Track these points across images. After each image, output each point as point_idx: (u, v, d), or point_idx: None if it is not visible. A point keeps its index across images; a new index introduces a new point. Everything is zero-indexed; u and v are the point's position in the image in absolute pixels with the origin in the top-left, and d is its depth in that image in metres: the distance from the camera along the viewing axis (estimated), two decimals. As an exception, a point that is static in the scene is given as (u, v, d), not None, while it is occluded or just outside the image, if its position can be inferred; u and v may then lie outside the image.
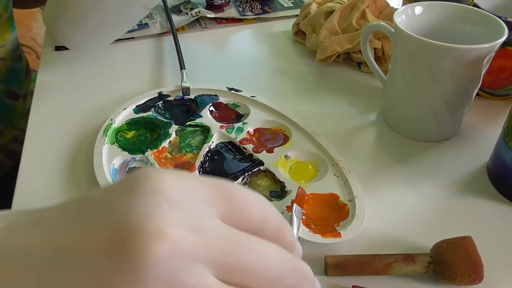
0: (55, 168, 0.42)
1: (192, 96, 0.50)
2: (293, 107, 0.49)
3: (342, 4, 0.60)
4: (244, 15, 0.70)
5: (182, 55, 0.56)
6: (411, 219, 0.38)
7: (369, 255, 0.33)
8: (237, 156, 0.43)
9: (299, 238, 0.34)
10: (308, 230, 0.35)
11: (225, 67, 0.58)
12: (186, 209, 0.18)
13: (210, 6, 0.71)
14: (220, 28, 0.68)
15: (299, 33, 0.63)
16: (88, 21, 0.50)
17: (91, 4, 0.48)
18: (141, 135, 0.45)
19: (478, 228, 0.37)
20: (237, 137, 0.44)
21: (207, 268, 0.18)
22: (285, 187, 0.39)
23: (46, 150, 0.44)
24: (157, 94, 0.49)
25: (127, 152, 0.42)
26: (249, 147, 0.43)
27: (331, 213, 0.37)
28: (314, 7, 0.63)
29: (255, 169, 0.41)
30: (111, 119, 0.45)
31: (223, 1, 0.71)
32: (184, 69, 0.53)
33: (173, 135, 0.44)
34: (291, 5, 0.73)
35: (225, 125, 0.45)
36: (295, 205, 0.35)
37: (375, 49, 0.55)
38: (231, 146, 0.44)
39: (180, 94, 0.50)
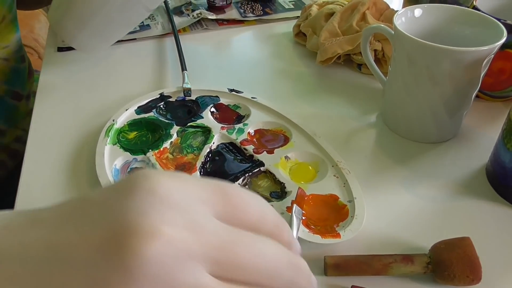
0: (58, 168, 0.43)
1: (193, 97, 0.50)
2: (293, 108, 0.49)
3: (342, 6, 0.61)
4: (245, 16, 0.70)
5: (184, 56, 0.57)
6: (410, 220, 0.38)
7: (368, 255, 0.34)
8: (237, 157, 0.43)
9: (299, 239, 0.34)
10: (308, 230, 0.35)
11: (226, 68, 0.59)
12: (182, 209, 0.19)
13: (211, 8, 0.71)
14: (221, 29, 0.68)
15: (299, 34, 0.64)
16: (92, 21, 0.51)
17: (95, 5, 0.49)
18: (142, 135, 0.45)
19: (476, 229, 0.37)
20: (238, 138, 0.44)
21: (202, 266, 0.18)
22: (285, 187, 0.39)
23: (48, 150, 0.45)
24: (159, 95, 0.50)
25: (128, 153, 0.42)
26: (250, 148, 0.43)
27: (330, 214, 0.38)
28: (315, 8, 0.64)
29: (255, 170, 0.41)
30: (113, 120, 0.46)
31: (224, 2, 0.71)
32: (186, 70, 0.54)
33: (175, 136, 0.45)
34: (292, 6, 0.74)
35: (226, 126, 0.46)
36: (295, 205, 0.36)
37: (375, 50, 0.55)
38: (232, 147, 0.44)
39: (182, 95, 0.50)
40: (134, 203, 0.18)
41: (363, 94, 0.53)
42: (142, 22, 0.68)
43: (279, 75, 0.57)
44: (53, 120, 0.49)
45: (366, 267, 0.33)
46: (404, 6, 0.64)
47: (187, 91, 0.50)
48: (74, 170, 0.42)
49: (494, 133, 0.42)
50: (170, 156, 0.43)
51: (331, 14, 0.60)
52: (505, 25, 0.42)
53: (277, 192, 0.40)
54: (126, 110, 0.47)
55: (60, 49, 0.61)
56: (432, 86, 0.42)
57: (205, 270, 0.18)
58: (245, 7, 0.73)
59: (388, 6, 0.61)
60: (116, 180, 0.40)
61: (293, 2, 0.75)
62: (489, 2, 0.49)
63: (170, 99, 0.50)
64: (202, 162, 0.42)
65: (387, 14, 0.59)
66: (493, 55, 0.40)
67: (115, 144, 0.43)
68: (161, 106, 0.49)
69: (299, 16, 0.66)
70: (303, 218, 0.36)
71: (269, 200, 0.38)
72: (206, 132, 0.46)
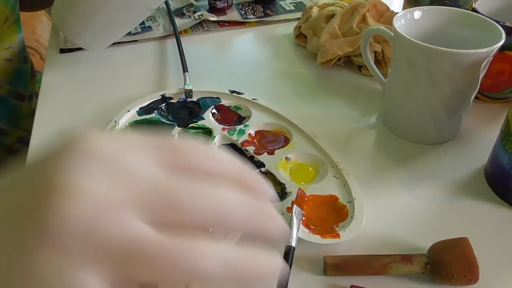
0: (60, 169, 0.43)
1: (194, 98, 0.50)
2: (294, 110, 0.49)
3: (343, 8, 0.61)
4: (246, 18, 0.71)
5: (185, 58, 0.57)
6: (409, 220, 0.38)
7: (367, 255, 0.34)
8: (238, 158, 0.43)
9: (299, 239, 0.34)
10: (308, 231, 0.36)
11: (227, 70, 0.59)
12: (110, 160, 0.18)
13: (212, 9, 0.72)
14: (223, 31, 0.69)
15: (300, 36, 0.64)
16: (94, 19, 0.52)
17: (97, 3, 0.51)
18: (144, 136, 0.46)
19: (475, 230, 0.38)
20: (239, 139, 0.45)
21: (134, 215, 0.17)
22: (285, 188, 0.40)
23: (51, 151, 0.45)
24: (160, 97, 0.50)
25: (130, 154, 0.43)
26: (251, 149, 0.43)
27: (330, 214, 0.38)
28: (315, 10, 0.64)
29: (256, 171, 0.41)
30: (115, 121, 0.46)
31: (226, 4, 0.71)
32: (187, 71, 0.54)
33: (176, 137, 0.45)
34: (293, 8, 0.74)
35: (227, 127, 0.46)
36: (295, 206, 0.36)
37: (375, 52, 0.55)
38: (232, 148, 0.45)
39: (183, 96, 0.50)
40: (58, 162, 0.18)
41: (363, 96, 0.54)
42: (144, 23, 0.68)
43: (280, 76, 0.58)
44: (56, 121, 0.49)
45: (365, 267, 0.33)
46: (404, 8, 0.65)
47: (189, 93, 0.50)
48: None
49: (493, 134, 0.42)
50: (172, 157, 0.43)
51: (331, 16, 0.61)
52: (504, 27, 0.42)
53: (277, 193, 0.40)
54: (128, 111, 0.48)
55: (62, 51, 0.62)
56: (432, 88, 0.42)
57: (138, 218, 0.17)
58: (246, 8, 0.73)
59: (388, 8, 0.61)
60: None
61: (294, 4, 0.75)
62: (489, 4, 0.50)
63: (172, 101, 0.50)
64: (203, 163, 0.42)
65: (387, 16, 0.59)
66: (491, 57, 0.41)
67: (117, 145, 0.44)
68: (163, 108, 0.49)
69: (299, 18, 0.66)
70: (303, 218, 0.37)
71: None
72: (207, 133, 0.46)
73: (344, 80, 0.57)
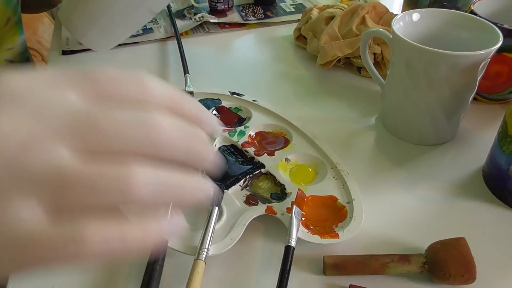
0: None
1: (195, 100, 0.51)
2: (294, 111, 0.50)
3: (342, 10, 0.61)
4: (247, 19, 0.71)
5: (186, 60, 0.58)
6: (408, 220, 0.39)
7: (366, 255, 0.34)
8: (239, 159, 0.44)
9: (299, 239, 0.35)
10: (307, 231, 0.36)
11: (227, 71, 0.60)
12: (28, 99, 0.18)
13: (213, 11, 0.72)
14: (223, 32, 0.69)
15: (300, 38, 0.65)
16: (99, 21, 0.53)
17: (102, 6, 0.52)
18: (145, 138, 0.46)
19: (473, 230, 0.38)
20: (239, 140, 0.45)
21: (60, 146, 0.17)
22: (285, 189, 0.40)
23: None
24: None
25: (132, 155, 0.43)
26: (251, 150, 0.44)
27: (329, 215, 0.38)
28: (315, 12, 0.64)
29: (256, 172, 0.42)
30: (117, 123, 0.47)
31: (226, 6, 0.72)
32: (188, 73, 0.55)
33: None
34: (293, 10, 0.75)
35: (227, 128, 0.47)
36: (294, 207, 0.37)
37: (374, 54, 0.56)
38: (233, 149, 0.45)
39: (184, 98, 0.51)
40: None
41: (363, 97, 0.54)
42: (145, 25, 0.69)
43: (280, 78, 0.58)
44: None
45: (364, 267, 0.34)
46: (403, 10, 0.65)
47: (190, 94, 0.51)
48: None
49: (491, 135, 0.43)
50: (173, 158, 0.44)
51: (331, 17, 0.61)
52: (502, 29, 0.43)
53: (277, 194, 0.40)
54: (130, 112, 0.48)
55: (64, 52, 0.63)
56: (430, 90, 0.43)
57: (63, 148, 0.17)
58: (247, 10, 0.74)
59: (387, 10, 0.61)
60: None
61: (294, 6, 0.76)
62: (487, 6, 0.50)
63: (173, 102, 0.51)
64: (204, 164, 0.43)
65: (386, 18, 0.60)
66: (489, 59, 0.41)
67: (119, 146, 0.44)
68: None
69: (299, 20, 0.67)
70: (303, 219, 0.37)
71: (269, 201, 0.39)
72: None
73: (344, 81, 0.57)
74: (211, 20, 0.69)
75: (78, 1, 0.53)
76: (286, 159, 0.43)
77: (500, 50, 0.43)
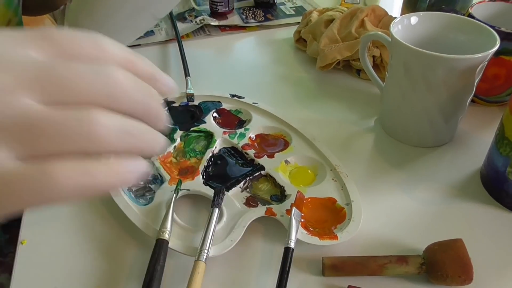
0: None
1: (196, 102, 0.51)
2: (293, 113, 0.50)
3: (342, 13, 0.62)
4: (247, 22, 0.72)
5: (187, 62, 0.58)
6: (406, 222, 0.39)
7: (364, 256, 0.35)
8: (239, 161, 0.44)
9: (298, 240, 0.35)
10: (307, 232, 0.36)
11: (228, 74, 0.60)
12: None
13: (214, 13, 0.73)
14: (224, 35, 0.70)
15: (300, 40, 0.65)
16: (106, 24, 0.54)
17: (108, 11, 0.53)
18: (147, 140, 0.47)
19: (470, 231, 0.38)
20: (239, 143, 0.46)
21: (24, 95, 0.18)
22: (285, 191, 0.41)
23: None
24: (163, 101, 0.51)
25: (133, 157, 0.44)
26: (251, 152, 0.44)
27: (328, 216, 0.39)
28: (315, 15, 0.65)
29: (256, 174, 0.42)
30: (119, 125, 0.47)
31: (227, 8, 0.73)
32: (189, 75, 0.55)
33: (178, 141, 0.46)
34: (293, 12, 0.75)
35: (228, 131, 0.47)
36: (294, 208, 0.37)
37: (373, 56, 0.56)
38: (233, 151, 0.45)
39: (185, 100, 0.51)
40: None
41: (362, 99, 0.55)
42: (146, 28, 0.70)
43: (280, 80, 0.59)
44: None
45: (362, 268, 0.34)
46: (402, 13, 0.66)
47: (190, 97, 0.51)
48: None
49: (489, 137, 0.43)
50: (174, 160, 0.44)
51: (330, 20, 0.62)
52: (499, 32, 0.43)
53: (277, 195, 0.41)
54: (131, 115, 0.49)
55: (67, 55, 0.63)
56: (428, 92, 0.43)
57: (27, 97, 0.18)
58: (247, 13, 0.74)
59: (386, 13, 0.62)
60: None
61: (294, 8, 0.76)
62: (484, 9, 0.50)
63: (174, 104, 0.51)
64: (204, 166, 0.43)
65: (385, 21, 0.60)
66: (486, 62, 0.42)
67: (121, 148, 0.45)
68: (165, 111, 0.50)
69: (299, 22, 0.67)
70: (302, 220, 0.38)
71: (269, 203, 0.40)
72: (209, 136, 0.47)
73: (343, 84, 0.58)
74: (212, 23, 0.70)
75: (85, 5, 0.53)
76: (286, 161, 0.44)
77: (497, 53, 0.44)
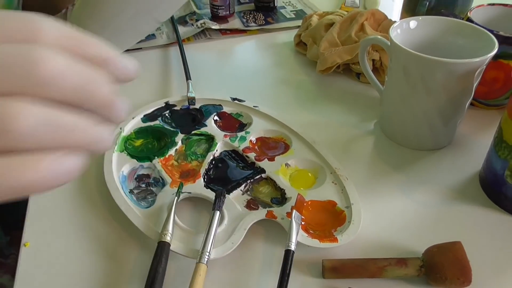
0: (67, 175, 0.44)
1: (197, 105, 0.52)
2: (294, 117, 0.51)
3: (342, 17, 0.62)
4: (248, 26, 0.72)
5: (188, 66, 0.59)
6: (405, 224, 0.40)
7: (364, 259, 0.35)
8: (240, 164, 0.45)
9: (298, 243, 0.36)
10: (307, 235, 0.37)
11: (229, 77, 0.61)
12: None
13: (215, 17, 0.73)
14: (224, 38, 0.70)
15: (300, 44, 0.66)
16: (109, 26, 0.54)
17: (111, 14, 0.53)
18: (148, 143, 0.47)
19: (469, 233, 0.39)
20: (240, 146, 0.46)
21: None
22: (285, 194, 0.41)
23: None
24: (164, 104, 0.52)
25: (135, 160, 0.44)
26: (252, 155, 0.45)
27: (328, 219, 0.39)
28: (315, 19, 0.65)
29: (257, 177, 0.43)
30: (120, 128, 0.47)
31: (228, 12, 0.73)
32: (190, 79, 0.56)
33: (179, 144, 0.47)
34: (293, 16, 0.76)
35: (228, 134, 0.48)
36: (294, 211, 0.37)
37: (373, 60, 0.57)
38: (234, 154, 0.46)
39: (186, 104, 0.52)
40: None
41: (362, 103, 0.55)
42: (148, 31, 0.70)
43: (280, 83, 0.59)
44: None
45: (362, 270, 0.34)
46: (402, 17, 0.66)
47: (192, 100, 0.52)
48: (83, 177, 0.44)
49: (488, 141, 0.44)
50: (175, 163, 0.45)
51: (330, 24, 0.62)
52: (497, 36, 0.44)
53: (277, 198, 0.41)
54: (133, 118, 0.49)
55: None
56: (427, 96, 0.43)
57: None
58: (248, 16, 0.75)
59: (386, 17, 0.62)
60: (124, 186, 0.41)
61: (295, 12, 0.77)
62: (483, 13, 0.51)
63: (175, 108, 0.52)
64: (205, 169, 0.43)
65: (385, 25, 0.61)
66: (485, 66, 0.42)
67: (122, 151, 0.45)
68: (167, 115, 0.51)
69: (300, 26, 0.68)
70: (302, 223, 0.38)
71: (270, 206, 0.40)
72: (210, 139, 0.47)
73: (343, 87, 0.58)
74: (213, 27, 0.70)
75: (87, 8, 0.54)
76: (286, 164, 0.44)
77: (496, 57, 0.44)
